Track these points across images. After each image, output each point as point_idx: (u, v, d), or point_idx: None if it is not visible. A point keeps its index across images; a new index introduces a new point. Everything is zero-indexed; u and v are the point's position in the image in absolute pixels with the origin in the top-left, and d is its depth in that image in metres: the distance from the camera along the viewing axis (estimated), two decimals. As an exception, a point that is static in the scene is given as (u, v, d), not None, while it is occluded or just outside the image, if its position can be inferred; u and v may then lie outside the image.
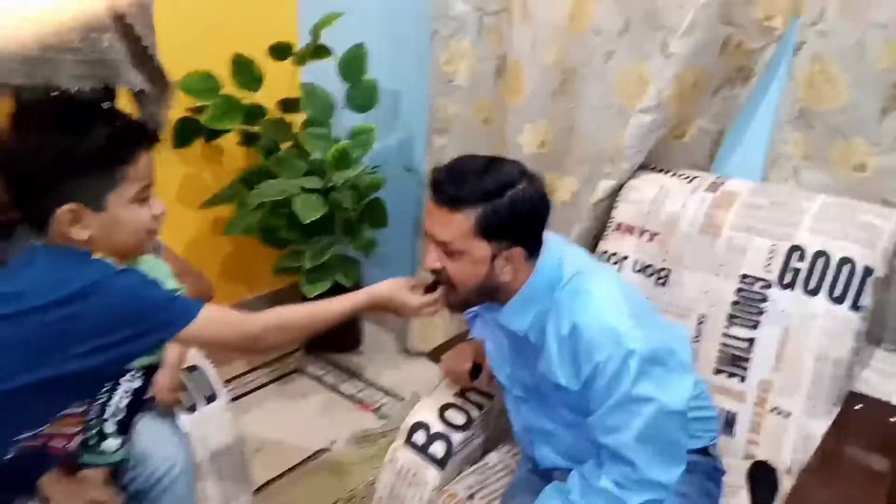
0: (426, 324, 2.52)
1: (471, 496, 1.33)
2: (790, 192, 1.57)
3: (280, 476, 2.00)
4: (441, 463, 1.34)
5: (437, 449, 1.35)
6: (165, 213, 1.07)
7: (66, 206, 0.94)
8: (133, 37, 1.23)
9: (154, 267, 1.37)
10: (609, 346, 1.08)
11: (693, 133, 1.77)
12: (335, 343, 2.65)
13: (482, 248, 1.09)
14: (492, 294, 1.16)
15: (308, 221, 2.10)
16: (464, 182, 1.09)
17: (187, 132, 2.23)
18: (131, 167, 0.98)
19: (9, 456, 1.00)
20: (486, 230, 1.08)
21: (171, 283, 1.38)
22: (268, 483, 1.96)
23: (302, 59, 2.26)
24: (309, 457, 2.09)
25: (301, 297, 2.55)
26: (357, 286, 2.53)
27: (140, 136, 1.01)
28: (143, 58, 1.26)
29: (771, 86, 1.67)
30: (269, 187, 2.20)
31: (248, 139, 2.37)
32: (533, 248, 1.14)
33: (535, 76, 1.96)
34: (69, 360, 0.92)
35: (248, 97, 2.25)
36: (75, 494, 1.14)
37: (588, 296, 1.13)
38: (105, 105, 1.10)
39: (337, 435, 2.19)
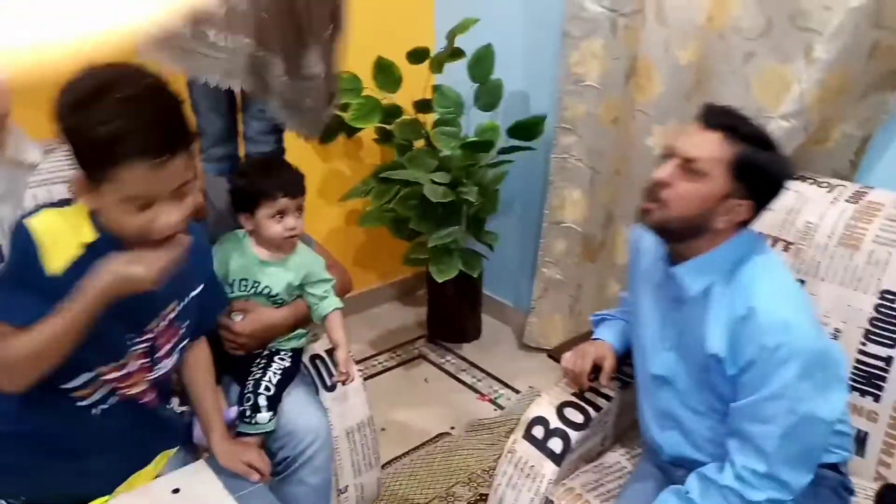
0: (545, 320, 2.57)
1: (587, 492, 1.38)
2: (943, 204, 1.48)
3: (403, 455, 2.14)
4: (558, 458, 1.40)
5: (555, 444, 1.41)
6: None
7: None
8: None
9: (311, 261, 1.52)
10: (781, 335, 1.08)
11: (836, 139, 1.70)
12: (457, 334, 2.77)
13: (723, 182, 1.13)
14: (693, 233, 1.17)
15: (436, 201, 2.21)
16: (743, 119, 1.15)
17: (331, 129, 2.40)
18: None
19: (102, 404, 1.10)
20: (739, 169, 1.12)
21: (325, 275, 1.52)
22: (392, 461, 2.10)
23: (439, 64, 2.36)
24: (430, 439, 2.21)
25: (429, 284, 2.69)
26: (479, 279, 2.64)
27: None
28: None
29: (925, 91, 1.57)
30: (402, 175, 2.33)
31: (384, 137, 2.51)
32: (755, 213, 1.17)
33: (667, 77, 1.95)
34: None
35: (387, 97, 2.38)
36: (235, 454, 1.27)
37: (769, 283, 1.14)
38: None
39: (455, 421, 2.30)
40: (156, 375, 1.14)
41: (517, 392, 2.47)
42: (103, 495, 1.14)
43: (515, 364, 2.62)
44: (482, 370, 2.61)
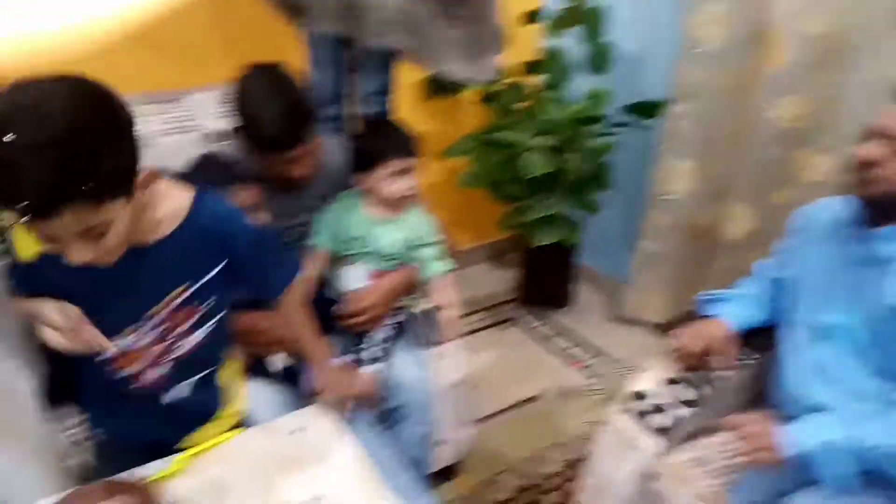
0: (644, 293, 2.53)
1: (694, 468, 1.37)
2: None
3: (494, 415, 2.18)
4: (662, 432, 1.39)
5: (659, 419, 1.40)
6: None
7: None
8: None
9: (422, 222, 1.55)
10: None
11: None
12: (549, 299, 2.77)
13: None
14: None
15: (530, 177, 2.19)
16: None
17: (437, 87, 2.40)
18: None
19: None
20: None
21: (434, 237, 1.55)
22: (483, 419, 2.14)
23: (557, 25, 2.31)
24: (520, 401, 2.24)
25: (523, 248, 2.69)
26: (576, 247, 2.62)
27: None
28: None
29: None
30: (502, 137, 2.32)
31: (488, 98, 2.50)
32: None
33: (797, 45, 1.84)
34: None
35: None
36: (345, 383, 1.28)
37: None
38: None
39: (545, 385, 2.32)
40: (178, 354, 1.13)
41: (611, 362, 2.45)
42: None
43: (609, 335, 2.60)
44: (573, 338, 2.60)
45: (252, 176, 1.44)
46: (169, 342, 1.11)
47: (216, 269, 1.10)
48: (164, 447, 1.14)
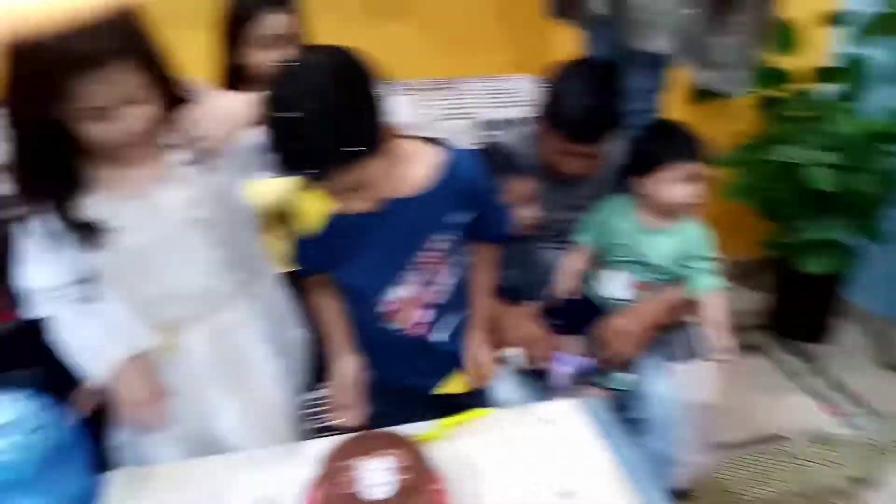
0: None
1: None
2: None
3: (731, 446, 2.02)
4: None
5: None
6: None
7: None
8: None
9: (697, 233, 1.46)
10: None
11: None
12: (803, 331, 2.50)
13: None
14: None
15: (809, 194, 1.97)
16: None
17: (704, 91, 2.26)
18: None
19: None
20: None
21: (709, 251, 1.46)
22: (719, 448, 2.00)
23: (868, 31, 2.06)
24: (762, 437, 2.06)
25: (780, 270, 2.45)
26: (844, 277, 2.32)
27: None
28: None
29: None
30: (783, 151, 2.12)
31: (768, 103, 2.30)
32: None
33: None
34: None
35: (777, 62, 2.17)
36: (487, 363, 1.31)
37: None
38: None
39: (791, 425, 2.10)
40: (438, 300, 1.21)
41: (875, 412, 2.16)
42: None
43: (874, 382, 2.28)
44: (827, 377, 2.33)
45: (531, 168, 1.47)
46: (431, 288, 1.19)
47: (466, 219, 1.17)
48: (420, 393, 1.26)
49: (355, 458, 0.98)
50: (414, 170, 1.12)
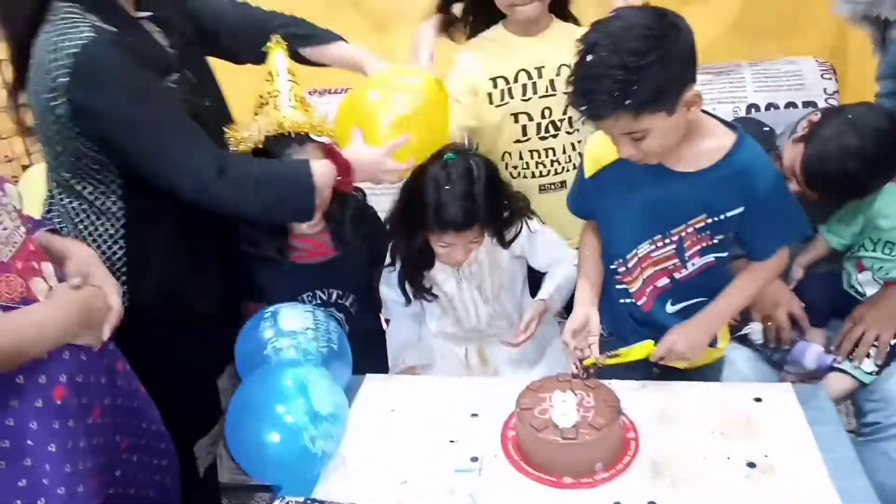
0: None
1: None
2: None
3: None
4: None
5: None
6: None
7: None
8: None
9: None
10: None
11: None
12: None
13: None
14: None
15: None
16: None
17: None
18: None
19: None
20: None
21: None
22: None
23: None
24: None
25: None
26: None
27: None
28: None
29: None
30: None
31: None
32: None
33: None
34: None
35: None
36: (687, 352, 1.22)
37: None
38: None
39: None
40: (684, 273, 1.22)
41: None
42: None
43: None
44: None
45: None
46: (678, 260, 1.21)
47: (733, 212, 1.15)
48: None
49: (551, 392, 1.11)
50: (700, 145, 1.14)
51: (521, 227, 1.45)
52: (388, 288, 1.54)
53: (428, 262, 1.45)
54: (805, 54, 2.09)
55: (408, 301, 1.51)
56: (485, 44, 1.58)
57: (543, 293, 1.48)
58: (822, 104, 1.98)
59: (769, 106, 2.02)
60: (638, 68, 0.99)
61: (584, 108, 1.06)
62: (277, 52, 1.36)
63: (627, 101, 1.01)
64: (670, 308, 1.26)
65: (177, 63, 1.25)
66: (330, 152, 1.31)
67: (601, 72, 1.00)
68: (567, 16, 1.61)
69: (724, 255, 1.21)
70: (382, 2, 2.29)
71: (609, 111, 1.03)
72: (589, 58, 1.02)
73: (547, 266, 1.51)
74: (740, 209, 1.15)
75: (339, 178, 1.29)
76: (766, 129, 1.54)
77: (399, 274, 1.49)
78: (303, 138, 1.30)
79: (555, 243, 1.51)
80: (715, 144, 1.14)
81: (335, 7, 2.20)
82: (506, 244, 1.45)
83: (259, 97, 1.34)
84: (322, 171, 1.25)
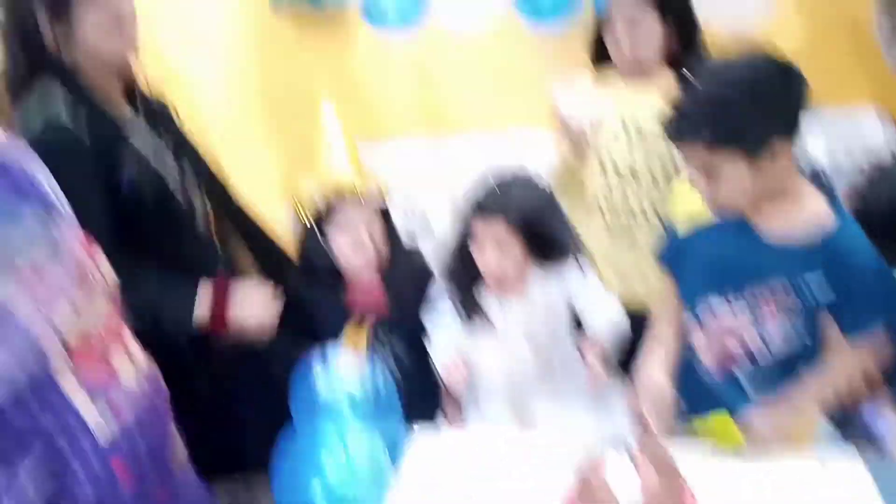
0: None
1: None
2: None
3: None
4: None
5: None
6: None
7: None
8: None
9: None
10: None
11: None
12: None
13: None
14: None
15: None
16: None
17: None
18: None
19: None
20: None
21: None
22: None
23: None
24: None
25: None
26: None
27: None
28: None
29: None
30: None
31: None
32: None
33: None
34: None
35: None
36: (776, 432, 1.13)
37: None
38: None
39: None
40: (755, 344, 1.13)
41: None
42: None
43: None
44: None
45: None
46: (753, 333, 1.13)
47: (812, 272, 1.08)
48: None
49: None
50: (791, 207, 1.09)
51: (572, 265, 1.40)
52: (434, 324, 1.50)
53: (473, 270, 1.41)
54: (862, 103, 2.05)
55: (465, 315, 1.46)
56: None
57: (595, 334, 1.41)
58: (882, 153, 1.92)
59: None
60: (724, 101, 0.98)
61: (667, 127, 1.06)
62: None
63: (703, 130, 1.00)
64: (748, 382, 1.17)
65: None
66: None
67: (691, 97, 1.03)
68: None
69: (809, 325, 1.11)
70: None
71: (684, 137, 1.04)
72: (690, 84, 1.04)
73: (585, 310, 1.44)
74: (829, 289, 1.08)
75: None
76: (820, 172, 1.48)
77: (449, 287, 1.47)
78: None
79: (600, 286, 1.46)
80: (809, 214, 1.08)
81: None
82: (546, 263, 1.38)
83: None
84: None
